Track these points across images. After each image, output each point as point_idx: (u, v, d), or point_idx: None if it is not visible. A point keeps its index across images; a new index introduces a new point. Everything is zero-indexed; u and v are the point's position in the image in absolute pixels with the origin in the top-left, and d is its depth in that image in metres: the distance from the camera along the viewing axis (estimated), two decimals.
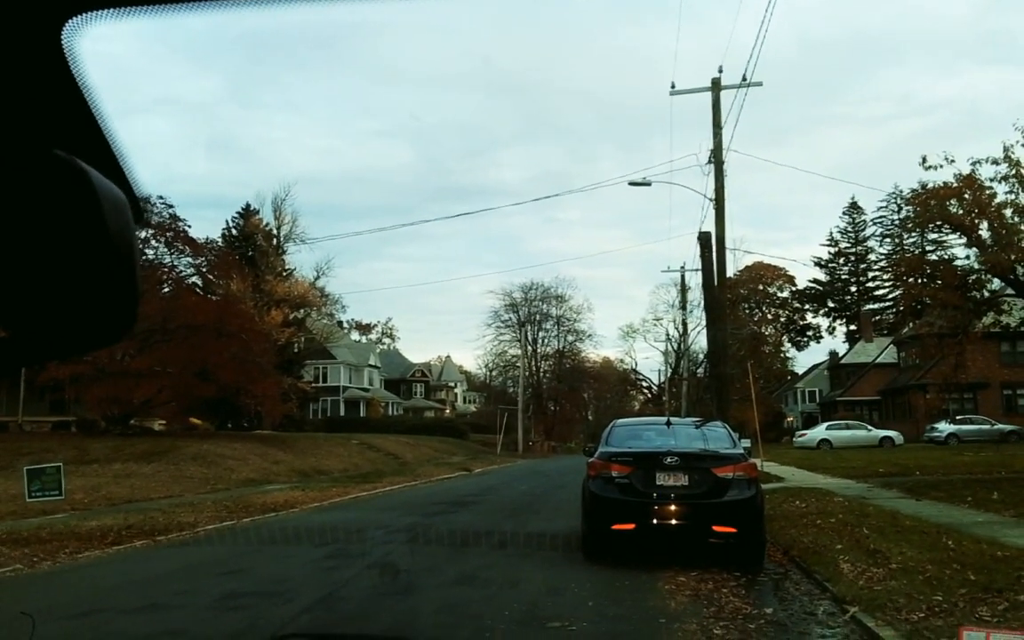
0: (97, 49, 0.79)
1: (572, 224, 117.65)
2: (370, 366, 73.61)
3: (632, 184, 26.43)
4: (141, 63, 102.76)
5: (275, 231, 52.66)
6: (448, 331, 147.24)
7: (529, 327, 69.65)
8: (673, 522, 9.76)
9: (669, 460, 9.94)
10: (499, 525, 14.09)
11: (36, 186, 0.78)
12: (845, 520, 12.30)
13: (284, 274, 51.36)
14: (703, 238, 23.02)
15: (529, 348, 69.12)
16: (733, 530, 9.60)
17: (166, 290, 33.62)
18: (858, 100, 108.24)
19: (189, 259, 35.72)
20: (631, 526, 9.80)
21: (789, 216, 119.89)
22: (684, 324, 52.83)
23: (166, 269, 34.59)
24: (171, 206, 33.55)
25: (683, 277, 49.97)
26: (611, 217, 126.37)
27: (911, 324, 27.82)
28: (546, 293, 69.30)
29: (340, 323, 72.45)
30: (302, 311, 52.60)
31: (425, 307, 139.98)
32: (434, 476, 30.39)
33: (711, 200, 22.05)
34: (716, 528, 9.63)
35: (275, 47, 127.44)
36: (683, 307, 51.37)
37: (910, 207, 23.49)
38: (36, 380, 31.46)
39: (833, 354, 70.22)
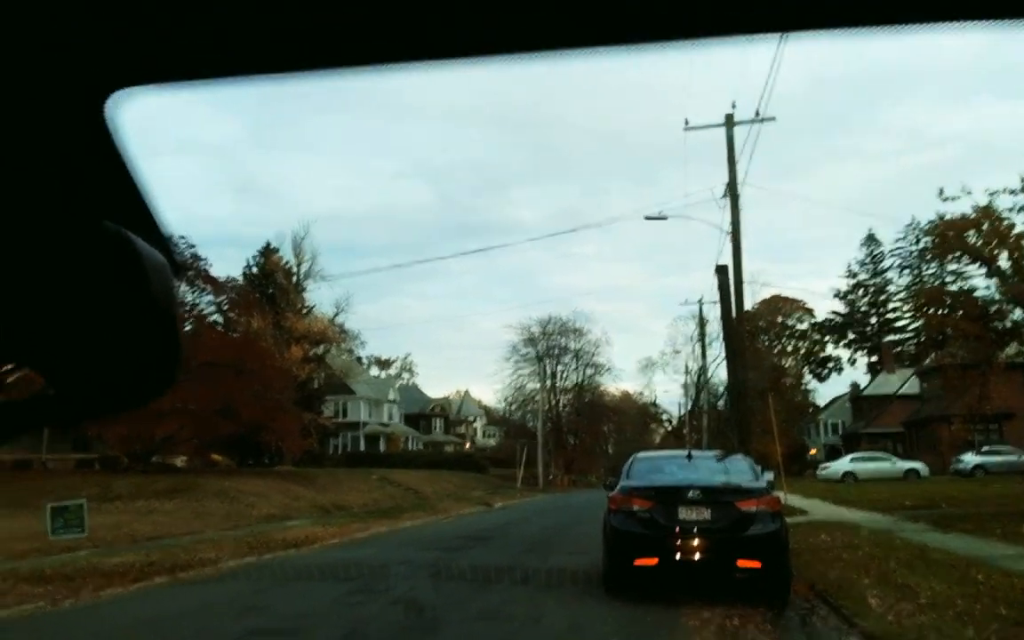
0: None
1: (587, 258, 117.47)
2: (389, 401, 73.71)
3: (648, 218, 26.55)
4: (164, 109, 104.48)
5: (295, 269, 53.14)
6: (466, 366, 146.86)
7: (548, 361, 69.52)
8: (696, 557, 9.64)
9: (691, 494, 9.86)
10: (521, 560, 14.01)
11: (84, 255, 0.83)
12: (872, 554, 12.15)
13: (304, 311, 51.73)
14: (721, 271, 23.01)
15: (548, 382, 68.94)
16: (757, 564, 9.46)
17: (188, 328, 33.94)
18: (873, 133, 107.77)
19: (210, 297, 36.09)
20: (654, 561, 9.70)
21: (805, 249, 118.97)
22: (703, 357, 52.57)
23: (187, 308, 34.96)
24: (192, 245, 33.93)
25: (701, 310, 49.85)
26: (627, 251, 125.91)
27: (933, 355, 27.56)
28: (564, 327, 69.27)
29: (359, 359, 72.80)
30: (322, 347, 52.84)
31: (443, 342, 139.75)
32: (454, 511, 30.28)
33: (727, 233, 22.09)
34: (740, 562, 9.50)
35: (293, 91, 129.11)
36: (702, 340, 51.22)
37: (928, 238, 23.38)
38: None
39: (855, 386, 69.46)
